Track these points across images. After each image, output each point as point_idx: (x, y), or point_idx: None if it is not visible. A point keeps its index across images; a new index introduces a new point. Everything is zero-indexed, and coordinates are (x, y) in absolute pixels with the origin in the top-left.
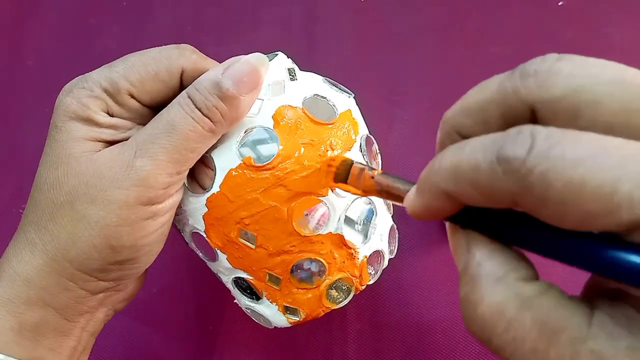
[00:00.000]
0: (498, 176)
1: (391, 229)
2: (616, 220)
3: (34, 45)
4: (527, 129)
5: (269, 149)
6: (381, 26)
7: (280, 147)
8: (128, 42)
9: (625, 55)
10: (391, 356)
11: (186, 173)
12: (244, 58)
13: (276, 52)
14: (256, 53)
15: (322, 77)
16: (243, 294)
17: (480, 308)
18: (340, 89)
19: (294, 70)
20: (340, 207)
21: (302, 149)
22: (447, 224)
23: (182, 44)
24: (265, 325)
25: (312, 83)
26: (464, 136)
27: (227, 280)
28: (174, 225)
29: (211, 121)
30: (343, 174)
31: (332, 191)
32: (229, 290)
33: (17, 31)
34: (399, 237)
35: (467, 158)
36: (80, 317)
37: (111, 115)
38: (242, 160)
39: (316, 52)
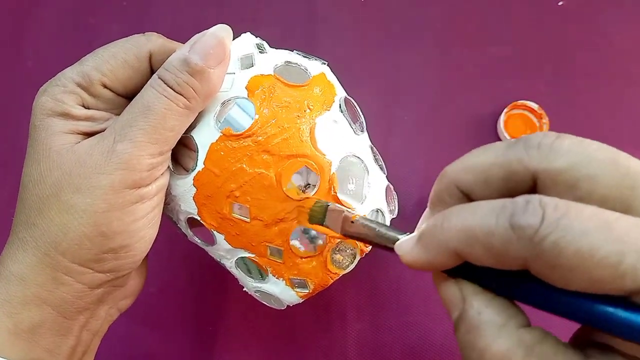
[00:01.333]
0: (512, 242)
1: (387, 188)
2: (620, 286)
3: (34, 45)
4: (535, 199)
5: (247, 118)
6: (381, 26)
7: (257, 114)
8: None
9: (625, 55)
10: (391, 356)
11: (169, 154)
12: (208, 32)
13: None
14: (219, 24)
15: (296, 51)
16: (248, 276)
17: (487, 356)
18: (312, 57)
19: (263, 45)
20: (328, 167)
21: (280, 113)
22: (435, 273)
23: (148, 32)
24: (277, 306)
25: (283, 54)
26: (463, 192)
27: (231, 264)
28: (169, 218)
29: (185, 98)
30: (318, 216)
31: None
32: (228, 289)
33: (17, 31)
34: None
35: (480, 222)
36: (79, 314)
37: (87, 108)
38: (221, 132)
39: (316, 52)
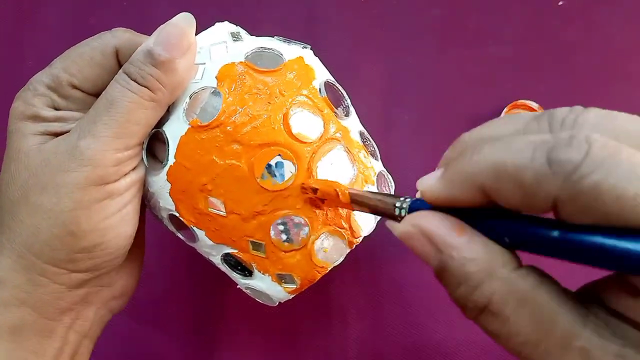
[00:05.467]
0: (547, 177)
1: (379, 175)
2: None
3: (34, 45)
4: (582, 133)
5: (217, 108)
6: (381, 26)
7: (224, 103)
8: None
9: (625, 55)
10: (391, 356)
11: (138, 149)
12: (170, 22)
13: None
14: (182, 13)
15: (276, 37)
16: (235, 272)
17: (479, 303)
18: (294, 42)
19: (239, 34)
20: (305, 155)
21: (249, 100)
22: (399, 225)
23: (115, 28)
24: (268, 303)
25: (259, 40)
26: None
27: (218, 261)
28: (155, 217)
29: (150, 90)
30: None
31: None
32: (229, 289)
33: (17, 31)
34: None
35: (513, 155)
36: (62, 315)
37: (58, 109)
38: (189, 124)
39: (316, 52)
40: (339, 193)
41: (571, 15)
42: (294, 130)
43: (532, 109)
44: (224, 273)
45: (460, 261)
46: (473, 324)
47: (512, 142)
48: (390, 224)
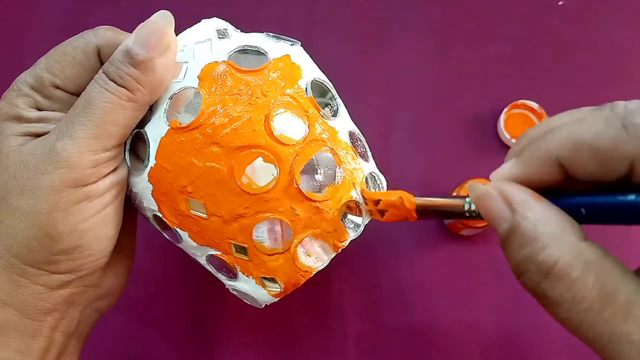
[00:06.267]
0: (623, 140)
1: (368, 177)
2: None
3: (34, 45)
4: None
5: (197, 109)
6: (381, 26)
7: (203, 104)
8: None
9: (625, 55)
10: (391, 356)
11: (118, 150)
12: (148, 20)
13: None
14: (161, 11)
15: (265, 33)
16: (221, 274)
17: (545, 264)
18: (283, 39)
19: (226, 31)
20: (288, 157)
21: (230, 101)
22: (481, 186)
23: (98, 26)
24: (255, 304)
25: (246, 38)
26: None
27: (203, 262)
28: (143, 217)
29: (128, 90)
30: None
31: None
32: (226, 288)
33: (17, 31)
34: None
35: (587, 127)
36: (46, 315)
37: (41, 110)
38: (169, 125)
39: (316, 52)
40: (405, 201)
41: (571, 15)
42: (276, 132)
43: (532, 109)
44: None
45: (534, 221)
46: (473, 325)
47: (584, 119)
48: (471, 183)
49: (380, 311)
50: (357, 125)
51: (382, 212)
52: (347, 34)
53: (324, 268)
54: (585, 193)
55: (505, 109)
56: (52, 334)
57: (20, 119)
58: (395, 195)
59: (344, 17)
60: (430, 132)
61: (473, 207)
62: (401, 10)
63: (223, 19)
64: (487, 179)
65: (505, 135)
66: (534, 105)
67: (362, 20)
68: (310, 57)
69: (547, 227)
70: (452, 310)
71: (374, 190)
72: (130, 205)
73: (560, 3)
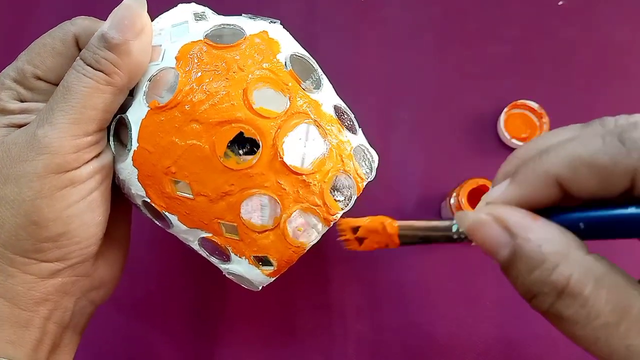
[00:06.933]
0: (622, 155)
1: (357, 149)
2: None
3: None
4: None
5: (175, 89)
6: (381, 26)
7: (180, 83)
8: None
9: (625, 55)
10: (391, 356)
11: (100, 135)
12: (122, 3)
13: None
14: None
15: (244, 14)
16: (215, 257)
17: (558, 284)
18: (261, 18)
19: (204, 14)
20: (270, 130)
21: (206, 77)
22: (471, 214)
23: (76, 17)
24: (251, 288)
25: (224, 18)
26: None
27: (196, 247)
28: (136, 206)
29: (105, 74)
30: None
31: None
32: (229, 288)
33: (17, 31)
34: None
35: (584, 145)
36: (37, 306)
37: (24, 101)
38: (148, 106)
39: (316, 52)
40: (386, 226)
41: (571, 15)
42: (256, 106)
43: (532, 109)
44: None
45: (537, 242)
46: (473, 324)
47: (579, 137)
48: (460, 214)
49: (380, 311)
50: (357, 126)
51: (360, 240)
52: (347, 34)
53: (325, 267)
54: (581, 208)
55: (505, 109)
56: (45, 324)
57: (3, 112)
58: (376, 221)
59: (344, 17)
60: (430, 132)
61: (461, 230)
62: (401, 10)
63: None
64: (487, 178)
65: (505, 135)
66: (534, 105)
67: (362, 20)
68: (310, 56)
69: (552, 246)
70: (452, 310)
71: (363, 163)
72: (121, 194)
73: (560, 3)
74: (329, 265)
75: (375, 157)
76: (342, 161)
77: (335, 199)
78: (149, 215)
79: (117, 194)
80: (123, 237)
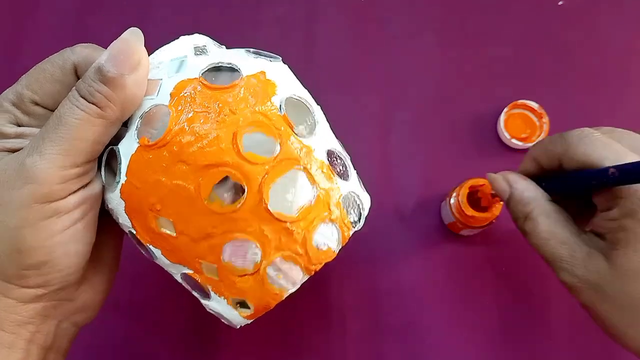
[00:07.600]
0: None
1: (346, 197)
2: (602, 167)
3: (33, 45)
4: (571, 132)
5: (165, 127)
6: (381, 26)
7: (171, 121)
8: None
9: (625, 55)
10: (390, 356)
11: (89, 166)
12: (120, 37)
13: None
14: (131, 28)
15: (246, 49)
16: (195, 292)
17: (525, 212)
18: (263, 55)
19: (205, 47)
20: (256, 176)
21: (197, 119)
22: (495, 176)
23: (77, 44)
24: (230, 325)
25: (224, 54)
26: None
27: (180, 280)
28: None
29: (98, 107)
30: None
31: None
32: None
33: (16, 31)
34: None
35: (544, 141)
36: (19, 328)
37: (20, 126)
38: (138, 142)
39: (316, 52)
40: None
41: (571, 15)
42: (245, 150)
43: (532, 109)
44: None
45: (521, 190)
46: (472, 324)
47: (545, 139)
48: (489, 174)
49: (380, 311)
50: (350, 171)
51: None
52: (347, 34)
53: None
54: (545, 178)
55: (505, 109)
56: (27, 346)
57: None
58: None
59: (344, 17)
60: (430, 132)
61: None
62: (401, 10)
63: (225, 22)
64: (486, 179)
65: (505, 135)
66: (534, 105)
67: (362, 20)
68: (309, 95)
69: (528, 193)
70: (452, 310)
71: (352, 211)
72: (112, 219)
73: (560, 3)
74: (329, 265)
75: (367, 203)
76: (329, 209)
77: (318, 248)
78: (135, 243)
79: (109, 219)
80: (112, 261)
